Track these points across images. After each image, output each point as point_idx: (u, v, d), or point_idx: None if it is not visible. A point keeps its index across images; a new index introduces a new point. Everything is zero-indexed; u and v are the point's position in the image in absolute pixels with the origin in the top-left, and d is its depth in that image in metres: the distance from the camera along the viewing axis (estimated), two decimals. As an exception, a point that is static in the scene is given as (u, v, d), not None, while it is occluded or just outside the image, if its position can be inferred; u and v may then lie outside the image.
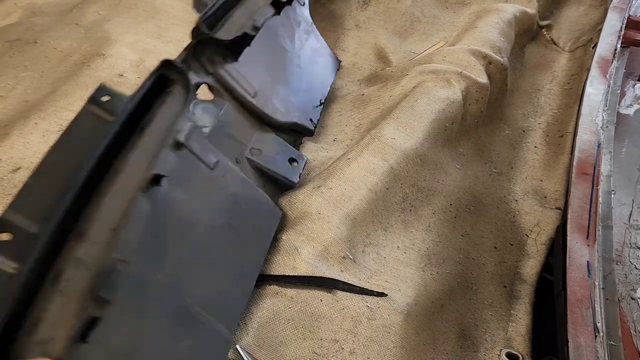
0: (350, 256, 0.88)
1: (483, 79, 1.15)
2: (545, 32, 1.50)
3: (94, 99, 0.74)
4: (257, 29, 1.01)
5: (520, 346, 0.91)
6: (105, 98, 0.74)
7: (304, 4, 1.26)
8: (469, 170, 1.13)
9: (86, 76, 1.19)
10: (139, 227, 0.65)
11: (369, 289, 0.85)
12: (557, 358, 0.82)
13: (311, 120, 1.10)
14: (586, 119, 0.95)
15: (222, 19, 0.97)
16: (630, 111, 1.28)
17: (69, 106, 1.12)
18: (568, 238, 0.79)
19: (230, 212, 0.80)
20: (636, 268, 0.97)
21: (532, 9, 1.39)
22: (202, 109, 0.91)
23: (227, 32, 0.96)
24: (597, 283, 0.74)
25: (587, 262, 0.76)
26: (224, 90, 0.95)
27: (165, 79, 0.82)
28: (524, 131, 1.27)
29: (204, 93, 0.94)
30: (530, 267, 1.03)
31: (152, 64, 1.25)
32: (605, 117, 0.94)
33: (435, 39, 1.25)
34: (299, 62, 1.16)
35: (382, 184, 0.95)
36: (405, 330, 0.83)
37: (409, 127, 1.02)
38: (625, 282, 0.95)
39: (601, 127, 0.92)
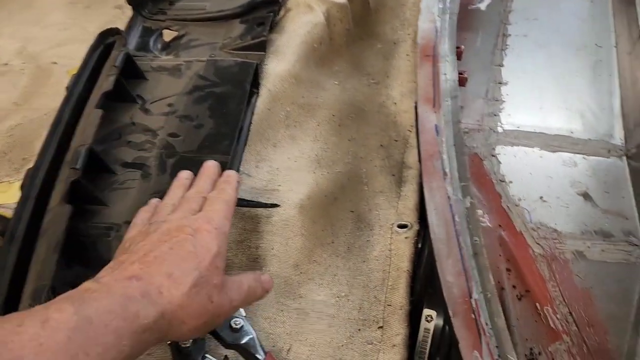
0: (245, 172, 0.99)
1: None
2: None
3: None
4: None
5: (410, 217, 1.04)
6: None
7: None
8: (347, 85, 1.25)
9: (-29, 71, 1.23)
10: None
11: (263, 202, 0.95)
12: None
13: None
14: (425, 12, 1.08)
15: None
16: (483, 6, 1.42)
17: (-40, 102, 1.17)
18: (419, 110, 0.92)
19: (206, 88, 1.03)
20: (493, 131, 1.12)
21: None
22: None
23: None
24: (444, 139, 0.87)
25: (435, 125, 0.89)
26: (181, 21, 1.20)
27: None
28: (394, 43, 1.40)
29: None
30: (414, 155, 1.15)
31: (34, 49, 1.31)
32: (441, 6, 1.07)
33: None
34: None
35: (263, 106, 1.05)
36: (302, 220, 0.95)
37: (279, 54, 1.13)
38: (486, 144, 1.09)
39: (438, 15, 1.05)
